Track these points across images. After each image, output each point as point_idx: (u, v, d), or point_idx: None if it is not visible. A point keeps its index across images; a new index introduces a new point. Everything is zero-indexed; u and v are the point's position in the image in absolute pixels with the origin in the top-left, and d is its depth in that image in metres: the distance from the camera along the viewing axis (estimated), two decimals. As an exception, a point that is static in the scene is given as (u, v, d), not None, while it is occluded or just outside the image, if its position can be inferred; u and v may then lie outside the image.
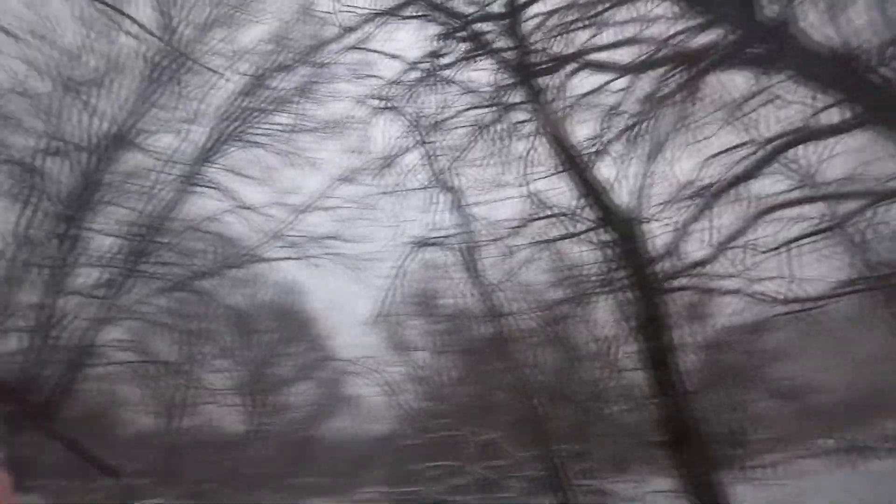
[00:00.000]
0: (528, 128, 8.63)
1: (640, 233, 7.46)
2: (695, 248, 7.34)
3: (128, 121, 12.83)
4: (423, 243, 10.24)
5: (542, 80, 8.04)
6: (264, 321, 25.35)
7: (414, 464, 15.20)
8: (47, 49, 11.76)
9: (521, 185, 8.81)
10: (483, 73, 8.88)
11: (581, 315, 9.16)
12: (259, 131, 15.22)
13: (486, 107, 8.84)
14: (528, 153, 8.72)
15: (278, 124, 15.24)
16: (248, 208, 14.53)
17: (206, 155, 14.18)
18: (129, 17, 7.92)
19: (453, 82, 8.98)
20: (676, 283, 7.69)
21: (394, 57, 9.20)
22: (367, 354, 17.71)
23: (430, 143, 9.73)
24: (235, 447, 21.89)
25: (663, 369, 6.98)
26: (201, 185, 14.24)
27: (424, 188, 10.00)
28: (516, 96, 8.57)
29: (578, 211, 8.20)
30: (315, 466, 25.40)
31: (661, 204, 7.42)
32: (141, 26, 8.39)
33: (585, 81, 7.94)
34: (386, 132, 9.95)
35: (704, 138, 7.14)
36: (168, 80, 13.09)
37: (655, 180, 7.39)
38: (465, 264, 10.98)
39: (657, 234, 7.53)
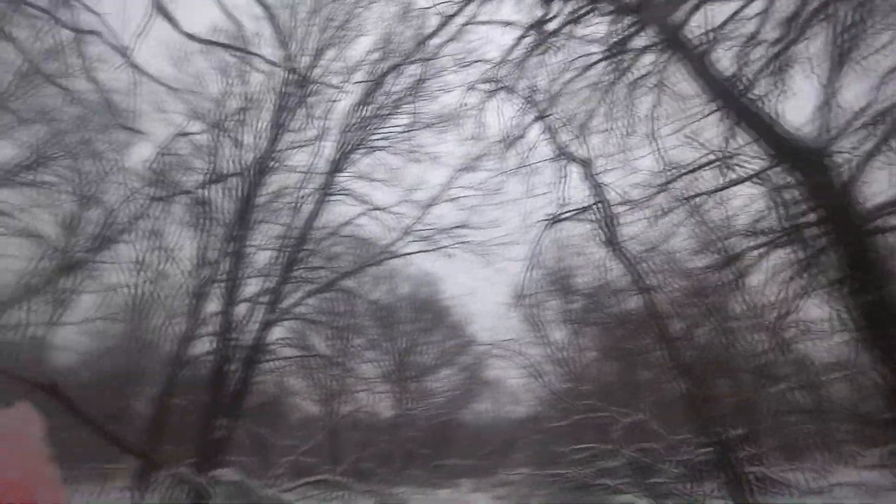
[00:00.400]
0: (656, 78, 8.04)
1: (830, 165, 6.17)
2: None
3: (268, 147, 14.37)
4: (556, 219, 10.04)
5: (664, 18, 7.22)
6: (405, 313, 26.95)
7: (558, 446, 15.18)
8: (198, 98, 13.74)
9: (653, 142, 8.27)
10: (596, 28, 8.36)
11: (748, 275, 8.20)
12: (379, 136, 16.18)
13: (605, 59, 8.25)
14: (654, 107, 8.15)
15: (396, 126, 16.06)
16: (380, 209, 15.51)
17: (337, 166, 15.35)
18: (258, 55, 8.78)
19: (566, 44, 8.63)
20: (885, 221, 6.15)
21: (503, 26, 9.02)
22: (506, 337, 17.97)
23: (549, 115, 9.46)
24: (386, 430, 23.64)
25: (883, 329, 5.56)
26: (336, 194, 15.49)
27: (551, 162, 9.80)
28: (638, 42, 7.90)
29: (737, 153, 7.27)
30: (459, 448, 26.51)
31: (840, 133, 6.21)
32: (269, 61, 9.28)
33: (716, 12, 7.09)
34: (502, 113, 9.93)
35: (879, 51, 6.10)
36: (296, 105, 14.45)
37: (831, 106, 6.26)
38: (604, 235, 10.49)
39: (844, 168, 6.19)
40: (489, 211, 15.51)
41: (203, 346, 13.89)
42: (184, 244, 16.12)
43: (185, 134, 13.57)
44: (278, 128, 14.58)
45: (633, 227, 9.82)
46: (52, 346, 15.92)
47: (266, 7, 7.33)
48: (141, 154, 14.01)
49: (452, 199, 15.71)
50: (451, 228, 15.23)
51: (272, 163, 14.46)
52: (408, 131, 15.99)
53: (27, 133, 13.64)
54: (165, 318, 16.50)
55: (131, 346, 17.63)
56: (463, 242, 15.18)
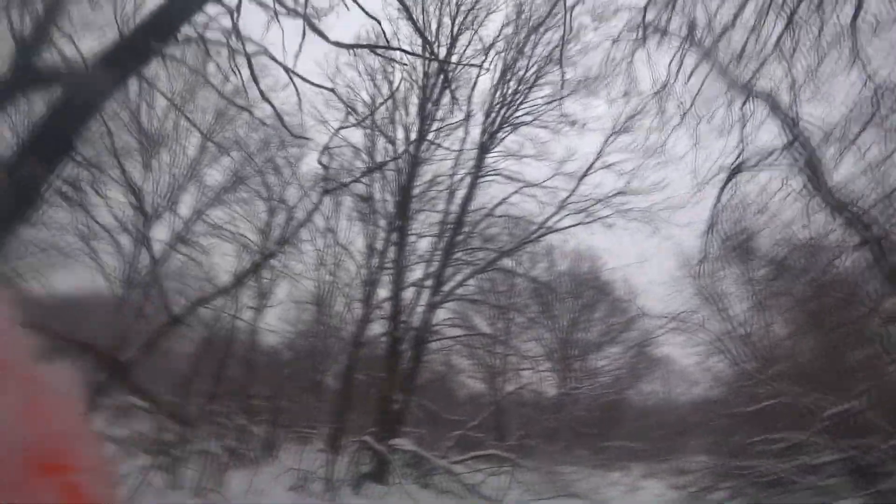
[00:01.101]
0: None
1: None
2: None
3: (418, 138, 14.98)
4: (735, 170, 8.78)
5: None
6: (567, 290, 26.40)
7: (745, 434, 13.58)
8: (351, 103, 14.88)
9: (859, 60, 6.72)
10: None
11: None
12: (524, 111, 15.86)
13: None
14: (858, 14, 6.61)
15: (540, 98, 15.60)
16: (532, 185, 15.29)
17: (485, 147, 15.46)
18: (401, 49, 9.06)
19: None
20: None
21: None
22: (677, 311, 16.60)
23: (714, 53, 8.25)
24: (551, 409, 23.50)
25: None
26: (487, 175, 15.64)
27: (724, 104, 8.54)
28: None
29: None
30: (628, 431, 25.35)
31: None
32: (411, 53, 9.54)
33: None
34: (653, 63, 8.92)
35: None
36: (440, 93, 14.80)
37: None
38: (807, 182, 8.87)
39: None
40: (651, 173, 14.33)
41: (378, 328, 15.26)
42: (354, 238, 17.83)
43: (344, 127, 14.71)
44: (425, 119, 15.11)
45: (842, 171, 8.12)
46: (257, 328, 18.72)
47: (403, 4, 7.51)
48: (311, 161, 15.73)
49: (608, 166, 14.88)
50: (609, 197, 14.43)
51: (423, 153, 15.10)
52: (552, 101, 15.45)
53: (228, 160, 16.29)
54: (345, 305, 18.44)
55: (319, 330, 20.00)
56: (624, 210, 14.31)
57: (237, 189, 16.56)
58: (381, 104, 15.14)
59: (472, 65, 13.63)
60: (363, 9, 6.44)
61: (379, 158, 15.43)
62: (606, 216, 14.82)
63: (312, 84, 6.19)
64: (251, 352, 17.57)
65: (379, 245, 15.95)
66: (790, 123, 7.95)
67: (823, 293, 14.28)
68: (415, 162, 14.86)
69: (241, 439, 12.01)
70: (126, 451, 8.60)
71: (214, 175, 16.75)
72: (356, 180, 15.54)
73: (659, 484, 15.06)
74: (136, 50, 5.02)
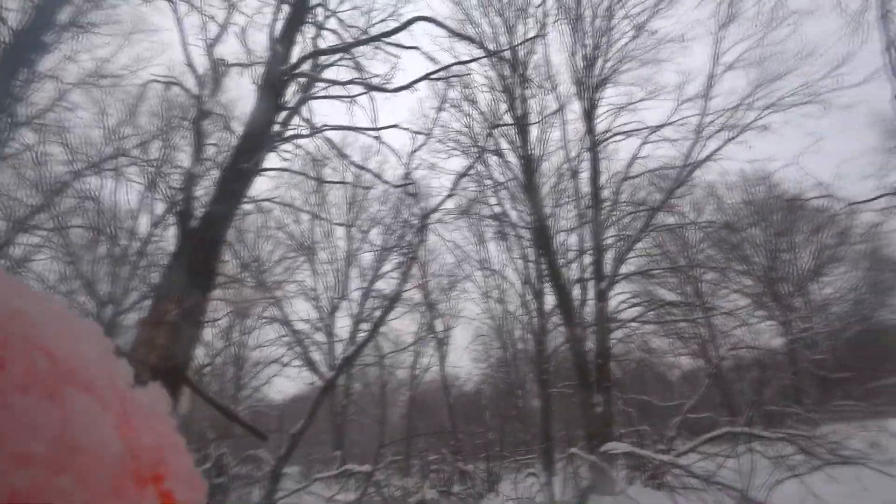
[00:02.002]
0: None
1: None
2: None
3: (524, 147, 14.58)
4: None
5: None
6: (749, 221, 23.15)
7: None
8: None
9: None
10: None
11: None
12: (612, 60, 14.42)
13: None
14: None
15: (620, 36, 14.11)
16: (658, 128, 13.80)
17: (591, 115, 14.36)
18: (458, 62, 8.85)
19: None
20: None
21: None
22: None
23: None
24: (785, 363, 20.26)
25: None
26: (606, 141, 14.52)
27: None
28: None
29: None
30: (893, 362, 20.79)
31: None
32: (465, 62, 9.30)
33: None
34: None
35: None
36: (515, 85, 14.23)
37: None
38: None
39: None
40: (788, 43, 12.02)
41: (558, 337, 14.79)
42: (505, 260, 17.96)
43: (416, 150, 14.95)
44: (520, 117, 14.54)
45: None
46: (447, 376, 19.47)
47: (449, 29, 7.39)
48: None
49: (732, 66, 12.88)
50: (748, 96, 12.43)
51: (534, 151, 14.56)
52: (637, 34, 13.91)
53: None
54: (521, 326, 18.41)
55: (507, 358, 20.16)
56: (773, 104, 12.18)
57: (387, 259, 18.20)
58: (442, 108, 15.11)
59: (531, 38, 12.90)
60: (402, 46, 6.48)
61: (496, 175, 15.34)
62: (756, 120, 12.70)
63: (378, 129, 6.27)
64: (448, 396, 18.20)
65: (530, 256, 15.66)
66: None
67: None
68: (528, 163, 14.35)
69: (460, 480, 12.26)
70: None
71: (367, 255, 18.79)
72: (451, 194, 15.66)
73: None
74: (240, 173, 5.54)
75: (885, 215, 11.70)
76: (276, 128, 6.18)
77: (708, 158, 13.21)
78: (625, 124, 14.22)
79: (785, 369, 17.95)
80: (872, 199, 10.48)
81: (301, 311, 18.48)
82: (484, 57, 11.24)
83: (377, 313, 15.61)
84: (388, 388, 22.08)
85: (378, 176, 7.46)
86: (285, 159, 6.78)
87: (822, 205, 15.58)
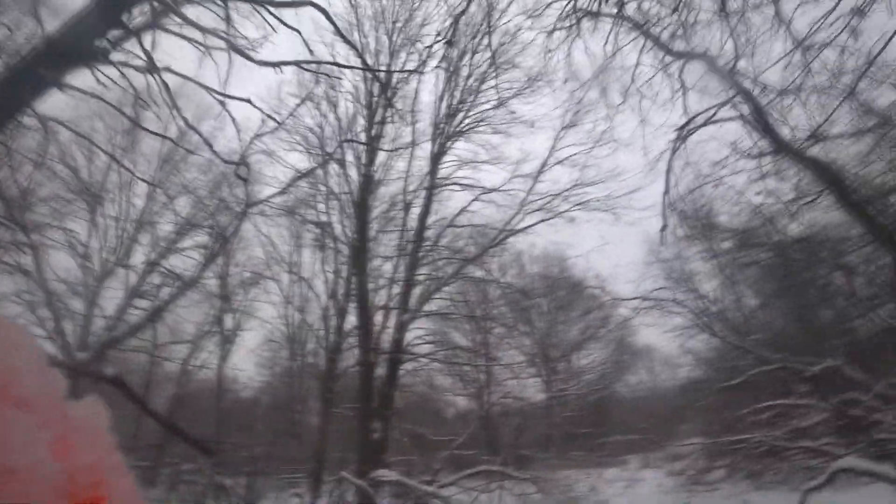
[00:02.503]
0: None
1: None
2: None
3: (368, 160, 14.69)
4: (683, 129, 8.59)
5: None
6: (540, 293, 26.18)
7: (734, 409, 13.50)
8: (298, 133, 14.49)
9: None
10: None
11: None
12: (471, 119, 15.75)
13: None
14: None
15: (485, 101, 15.52)
16: (490, 191, 15.15)
17: (437, 159, 15.24)
18: (333, 63, 8.69)
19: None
20: None
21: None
22: (651, 297, 16.55)
23: (648, 24, 8.19)
24: (541, 414, 23.13)
25: None
26: (443, 187, 15.42)
27: (661, 72, 8.47)
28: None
29: None
30: (620, 424, 25.17)
31: None
32: (341, 66, 9.22)
33: None
34: (589, 47, 8.84)
35: None
36: (384, 111, 14.56)
37: None
38: (754, 131, 8.60)
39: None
40: (605, 162, 14.48)
41: (351, 358, 14.72)
42: (317, 270, 17.37)
43: (260, 135, 14.36)
44: (374, 138, 14.80)
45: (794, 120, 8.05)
46: (225, 377, 17.86)
47: (336, 29, 7.20)
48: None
49: (562, 162, 14.90)
50: (567, 191, 14.41)
51: (375, 180, 14.78)
52: (498, 106, 15.42)
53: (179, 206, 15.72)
54: (315, 339, 17.83)
55: (294, 369, 19.26)
56: (582, 203, 14.29)
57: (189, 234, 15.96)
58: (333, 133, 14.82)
59: (410, 71, 13.41)
60: (283, 22, 6.13)
61: (333, 184, 15.06)
62: (567, 210, 14.76)
63: (228, 97, 5.76)
64: (221, 400, 16.70)
65: (342, 272, 15.51)
66: (730, 77, 7.92)
67: (787, 255, 14.49)
68: (368, 184, 14.49)
69: (216, 495, 11.22)
70: None
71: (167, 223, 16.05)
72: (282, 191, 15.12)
73: (656, 473, 14.79)
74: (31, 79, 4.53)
75: (635, 312, 14.62)
76: (102, 43, 5.26)
77: (523, 230, 14.99)
78: (464, 177, 15.40)
79: (541, 420, 20.46)
80: (629, 299, 12.96)
81: (60, 267, 14.87)
82: (360, 69, 11.20)
83: (163, 293, 13.82)
84: (153, 380, 19.42)
85: (209, 144, 6.77)
86: (100, 83, 5.75)
87: (596, 293, 18.80)
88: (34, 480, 0.34)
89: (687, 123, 8.23)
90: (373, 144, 14.24)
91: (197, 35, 5.70)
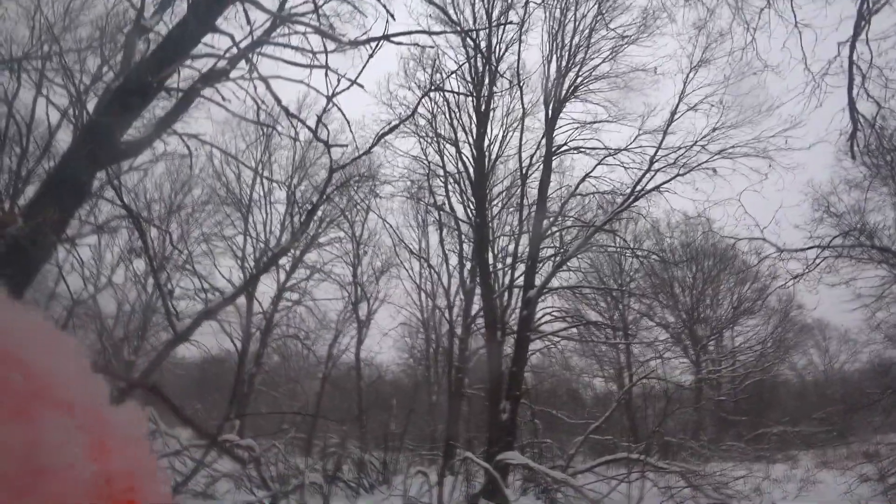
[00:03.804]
0: None
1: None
2: None
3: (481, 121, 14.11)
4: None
5: None
6: (682, 260, 23.82)
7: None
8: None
9: None
10: None
11: None
12: (583, 77, 14.34)
13: None
14: None
15: (596, 56, 14.06)
16: (616, 151, 13.84)
17: (552, 124, 14.19)
18: (424, 31, 8.21)
19: None
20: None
21: None
22: (829, 244, 13.93)
23: None
24: (689, 399, 21.08)
25: None
26: (562, 153, 14.41)
27: None
28: None
29: None
30: (786, 413, 22.13)
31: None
32: (434, 33, 8.70)
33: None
34: None
35: None
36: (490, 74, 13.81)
37: None
38: None
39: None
40: (750, 98, 12.32)
41: (480, 339, 14.54)
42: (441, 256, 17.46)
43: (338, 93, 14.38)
44: (484, 111, 14.13)
45: None
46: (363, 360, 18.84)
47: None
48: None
49: (695, 107, 13.01)
50: (703, 137, 12.59)
51: (490, 148, 14.21)
52: (613, 56, 13.86)
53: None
54: (446, 322, 18.05)
55: (428, 352, 19.79)
56: (724, 151, 12.37)
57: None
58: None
59: (506, 23, 12.39)
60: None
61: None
62: (706, 162, 12.88)
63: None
64: (360, 380, 17.62)
65: (466, 254, 15.33)
66: None
67: None
68: (481, 158, 13.95)
69: (357, 468, 11.76)
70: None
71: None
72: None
73: (840, 475, 12.42)
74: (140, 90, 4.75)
75: (811, 268, 12.00)
76: (203, 49, 5.42)
77: (656, 189, 13.33)
78: (585, 140, 14.15)
79: (689, 405, 18.57)
80: (801, 249, 10.85)
81: (224, 269, 16.80)
82: (454, 32, 10.70)
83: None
84: (306, 364, 21.24)
85: (326, 144, 6.79)
86: (225, 98, 5.98)
87: (754, 249, 15.96)
88: (72, 481, 0.35)
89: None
90: (480, 107, 13.55)
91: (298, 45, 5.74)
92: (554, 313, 14.02)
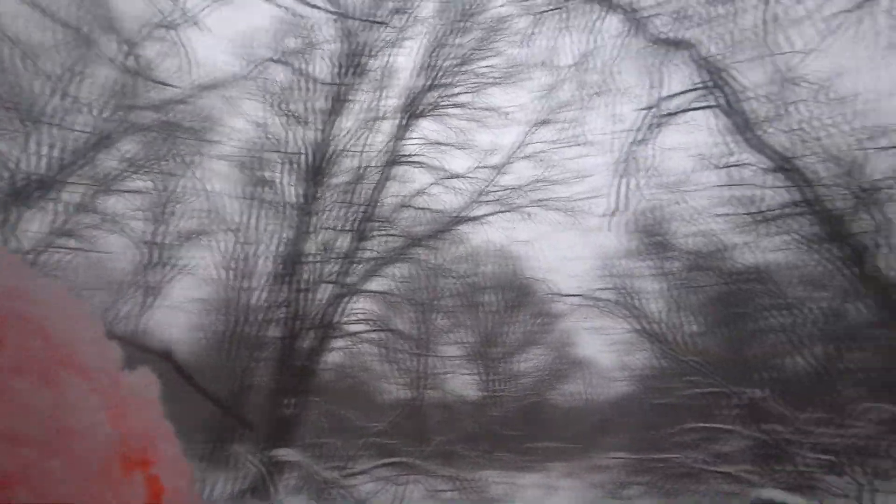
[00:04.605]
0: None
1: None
2: None
3: (330, 122, 13.81)
4: (650, 109, 8.18)
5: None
6: (489, 290, 25.86)
7: (661, 427, 13.46)
8: (263, 87, 13.44)
9: None
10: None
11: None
12: (446, 101, 15.11)
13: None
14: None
15: (462, 85, 14.94)
16: (453, 177, 14.56)
17: (403, 133, 14.52)
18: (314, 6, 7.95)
19: None
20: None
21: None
22: (597, 308, 16.34)
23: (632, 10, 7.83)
24: (473, 412, 22.80)
25: None
26: (404, 163, 14.70)
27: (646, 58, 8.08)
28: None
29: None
30: (550, 431, 25.16)
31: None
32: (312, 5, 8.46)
33: None
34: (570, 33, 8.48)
35: None
36: (354, 70, 13.73)
37: None
38: (729, 123, 8.30)
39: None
40: (573, 163, 14.11)
41: (280, 328, 13.85)
42: (261, 231, 16.32)
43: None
44: (341, 101, 13.97)
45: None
46: (145, 332, 16.63)
47: None
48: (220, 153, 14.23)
49: (529, 157, 14.46)
50: (527, 185, 14.02)
51: (336, 138, 13.94)
52: (476, 90, 14.87)
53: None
54: (250, 305, 16.83)
55: (225, 334, 18.16)
56: (541, 200, 13.90)
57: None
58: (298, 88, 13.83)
59: (376, 21, 12.54)
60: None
61: (291, 146, 14.09)
62: (524, 206, 14.34)
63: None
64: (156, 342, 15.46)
65: (287, 237, 14.57)
66: (710, 68, 7.65)
67: (735, 284, 14.55)
68: (325, 149, 13.62)
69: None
70: None
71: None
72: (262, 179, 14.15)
73: (576, 483, 14.64)
74: None
75: (573, 309, 14.31)
76: None
77: (477, 219, 14.56)
78: (429, 157, 14.73)
79: (472, 418, 20.12)
80: (570, 295, 12.72)
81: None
82: (331, 12, 10.40)
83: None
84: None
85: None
86: None
87: (540, 288, 18.41)
88: (90, 441, 0.37)
89: (656, 105, 7.92)
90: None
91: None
92: (361, 315, 14.15)
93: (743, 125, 7.64)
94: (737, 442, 11.47)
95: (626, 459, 13.34)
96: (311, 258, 13.85)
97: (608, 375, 26.59)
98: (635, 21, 7.94)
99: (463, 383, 23.16)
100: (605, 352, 27.39)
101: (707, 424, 12.03)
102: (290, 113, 14.01)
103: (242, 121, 14.24)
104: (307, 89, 14.03)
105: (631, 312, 16.28)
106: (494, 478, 12.04)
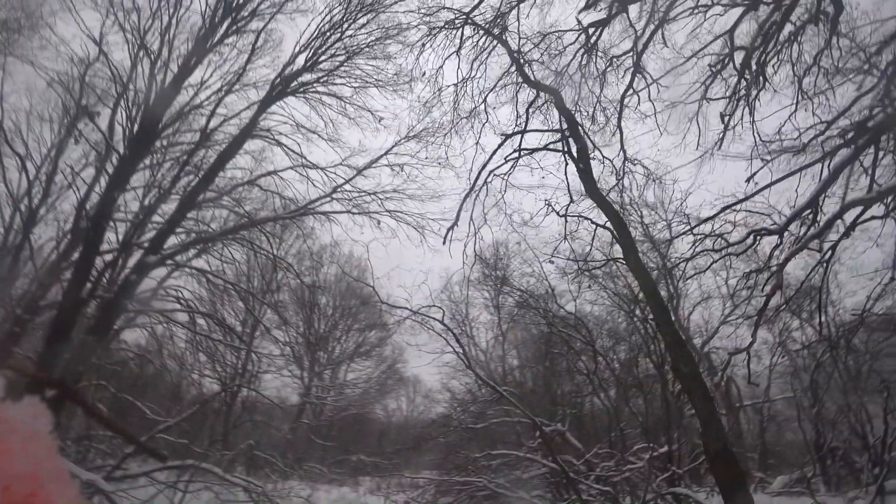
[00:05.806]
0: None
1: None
2: None
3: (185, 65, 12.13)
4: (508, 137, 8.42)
5: None
6: (329, 294, 24.77)
7: (471, 451, 13.84)
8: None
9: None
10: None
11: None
12: (323, 87, 14.28)
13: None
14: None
15: (343, 77, 14.25)
16: (312, 166, 13.66)
17: (267, 104, 13.30)
18: None
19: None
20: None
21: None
22: (429, 330, 16.41)
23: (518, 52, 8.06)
24: (291, 418, 21.52)
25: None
26: (262, 138, 13.47)
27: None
28: None
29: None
30: (367, 446, 24.77)
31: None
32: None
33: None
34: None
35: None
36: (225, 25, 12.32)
37: None
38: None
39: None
40: (430, 182, 14.08)
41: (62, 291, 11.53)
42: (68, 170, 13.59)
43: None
44: (206, 49, 12.33)
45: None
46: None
47: None
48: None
49: (392, 167, 14.15)
50: (384, 193, 13.66)
51: (189, 88, 12.24)
52: (356, 87, 14.25)
53: None
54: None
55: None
56: (395, 212, 13.63)
57: None
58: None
59: None
60: None
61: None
62: (378, 213, 13.96)
63: None
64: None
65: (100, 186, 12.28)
66: (569, 118, 8.12)
67: (554, 327, 15.71)
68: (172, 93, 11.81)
69: None
70: None
71: None
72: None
73: (383, 500, 14.35)
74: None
75: (399, 323, 14.36)
76: None
77: (325, 213, 13.79)
78: (292, 140, 13.65)
79: (288, 424, 18.94)
80: (399, 307, 12.58)
81: None
82: None
83: None
84: None
85: None
86: None
87: (373, 295, 18.23)
88: None
89: (510, 136, 8.31)
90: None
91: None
92: (174, 293, 12.46)
93: (588, 179, 8.32)
94: (535, 470, 12.18)
95: (433, 479, 13.45)
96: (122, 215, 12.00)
97: (431, 396, 27.08)
98: (518, 61, 8.32)
99: (283, 385, 21.66)
100: (430, 372, 27.86)
101: (512, 452, 12.65)
102: (144, 46, 11.99)
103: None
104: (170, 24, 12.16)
105: (458, 338, 16.79)
106: (297, 490, 11.19)
